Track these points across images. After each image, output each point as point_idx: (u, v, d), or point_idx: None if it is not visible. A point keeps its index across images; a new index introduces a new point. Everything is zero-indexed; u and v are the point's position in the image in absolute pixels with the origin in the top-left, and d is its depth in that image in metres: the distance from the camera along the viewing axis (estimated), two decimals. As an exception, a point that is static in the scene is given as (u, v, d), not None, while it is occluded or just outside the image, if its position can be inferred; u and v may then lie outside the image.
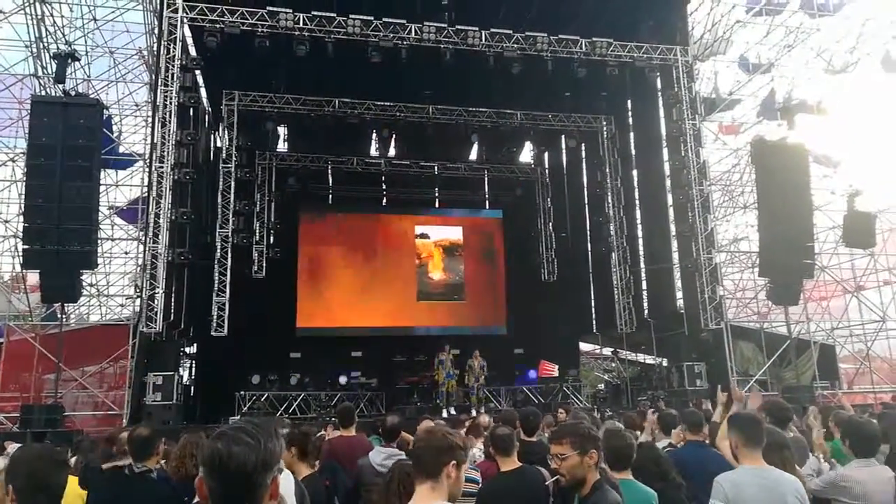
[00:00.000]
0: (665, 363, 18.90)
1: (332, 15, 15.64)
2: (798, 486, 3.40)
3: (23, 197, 13.00)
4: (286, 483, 3.68)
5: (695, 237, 17.02)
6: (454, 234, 23.47)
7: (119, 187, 17.15)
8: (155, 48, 15.59)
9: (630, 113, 21.16)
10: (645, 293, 20.55)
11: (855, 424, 4.25)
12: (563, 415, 8.22)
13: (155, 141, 14.60)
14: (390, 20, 15.85)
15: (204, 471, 1.64)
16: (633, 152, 20.88)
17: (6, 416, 13.19)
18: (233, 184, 19.64)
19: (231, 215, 19.48)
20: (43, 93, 14.45)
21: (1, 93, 15.44)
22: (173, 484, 3.92)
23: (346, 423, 5.80)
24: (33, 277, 14.47)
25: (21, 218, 13.08)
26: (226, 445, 1.60)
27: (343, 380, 18.81)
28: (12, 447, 6.24)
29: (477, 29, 16.31)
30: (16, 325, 14.32)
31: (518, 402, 18.26)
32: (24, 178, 13.07)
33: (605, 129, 21.70)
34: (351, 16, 15.66)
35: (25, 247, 12.67)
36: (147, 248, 14.24)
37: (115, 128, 16.22)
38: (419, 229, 23.21)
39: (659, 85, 18.71)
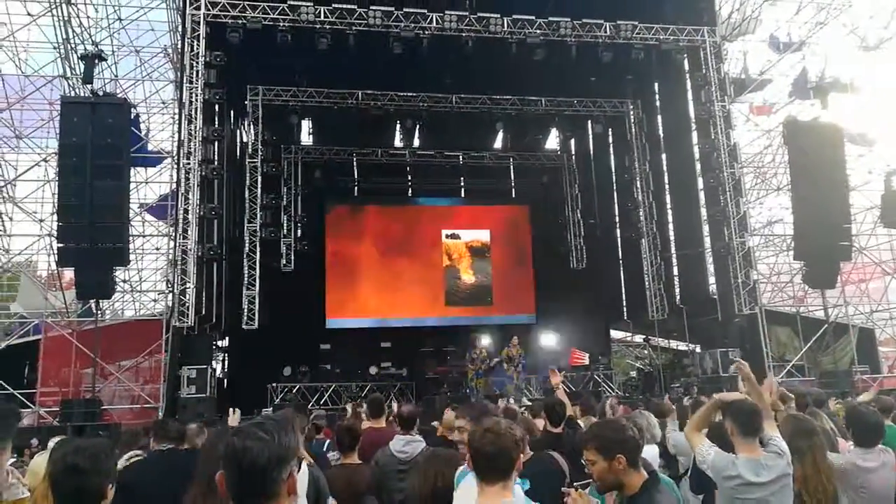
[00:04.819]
0: (698, 350, 18.63)
1: (353, 7, 15.63)
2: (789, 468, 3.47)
3: (56, 196, 13.28)
4: (301, 476, 3.68)
5: (727, 221, 16.67)
6: (483, 235, 23.26)
7: (148, 184, 17.43)
8: (179, 46, 15.75)
9: (657, 96, 20.80)
10: (676, 279, 20.22)
11: (858, 414, 4.32)
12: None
13: (182, 138, 14.75)
14: (411, 10, 15.79)
15: (222, 466, 1.70)
16: (662, 136, 20.52)
17: (47, 411, 13.50)
18: (259, 178, 19.80)
19: (258, 209, 19.66)
20: (72, 93, 14.71)
21: (31, 94, 15.74)
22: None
23: (376, 414, 5.78)
24: (68, 275, 14.79)
25: (55, 217, 13.35)
26: (241, 441, 1.65)
27: (373, 370, 18.91)
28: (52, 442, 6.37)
29: (499, 16, 16.14)
30: (53, 322, 14.62)
31: (548, 391, 18.14)
32: (57, 178, 13.32)
33: (632, 113, 21.37)
34: (372, 7, 15.63)
35: (60, 245, 12.94)
36: (177, 244, 14.42)
37: (142, 126, 16.44)
38: (449, 230, 23.00)
39: (686, 67, 18.31)
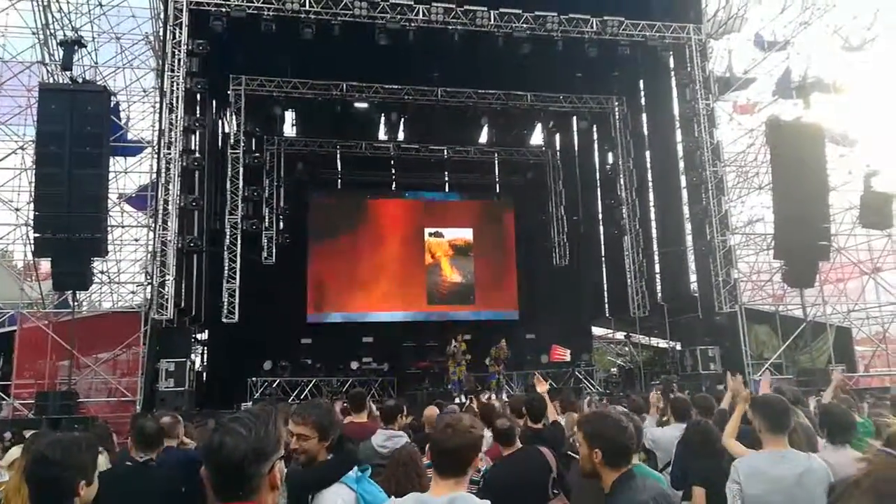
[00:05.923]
0: (678, 347, 18.76)
1: (338, -3, 15.48)
2: (819, 469, 3.34)
3: (33, 185, 13.02)
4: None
5: (709, 219, 16.80)
6: (466, 233, 23.21)
7: (128, 174, 17.14)
8: (161, 33, 15.49)
9: (642, 93, 20.85)
10: (658, 276, 20.36)
11: (829, 412, 4.34)
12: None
13: (163, 127, 14.53)
14: (397, 1, 15.66)
15: (203, 461, 1.69)
16: (646, 133, 20.60)
17: (22, 403, 13.28)
18: (241, 169, 19.60)
19: (240, 201, 19.46)
20: (50, 80, 14.39)
21: (9, 81, 15.41)
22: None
23: (358, 408, 5.74)
24: (45, 265, 14.52)
25: (31, 206, 13.09)
26: (218, 436, 1.64)
27: (354, 365, 18.83)
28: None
29: (485, 9, 16.11)
30: (28, 313, 14.36)
31: (530, 387, 18.18)
32: (34, 167, 13.06)
33: (616, 109, 21.43)
34: (358, -3, 15.49)
35: (36, 235, 12.68)
36: (157, 235, 14.23)
37: (122, 114, 16.15)
38: (432, 227, 22.95)
39: (672, 64, 18.40)
